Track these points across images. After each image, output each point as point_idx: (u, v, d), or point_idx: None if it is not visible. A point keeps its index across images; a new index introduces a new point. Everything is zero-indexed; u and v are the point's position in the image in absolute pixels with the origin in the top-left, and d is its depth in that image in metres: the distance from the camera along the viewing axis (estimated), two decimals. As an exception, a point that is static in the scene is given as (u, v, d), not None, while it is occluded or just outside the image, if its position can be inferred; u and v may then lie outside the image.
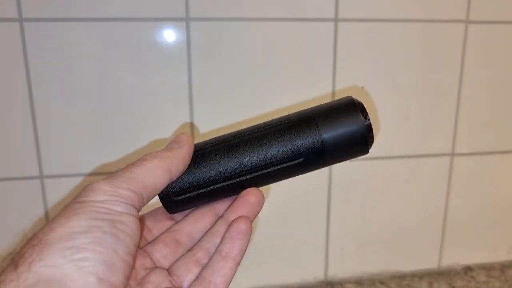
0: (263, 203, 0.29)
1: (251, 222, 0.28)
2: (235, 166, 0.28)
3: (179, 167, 0.27)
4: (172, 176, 0.26)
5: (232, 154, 0.29)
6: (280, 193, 0.56)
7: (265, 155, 0.28)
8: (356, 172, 0.59)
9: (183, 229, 0.29)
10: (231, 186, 0.29)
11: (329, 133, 0.28)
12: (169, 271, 0.27)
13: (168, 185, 0.27)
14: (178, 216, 0.31)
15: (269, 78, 0.53)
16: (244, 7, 0.51)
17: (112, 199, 0.23)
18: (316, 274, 0.62)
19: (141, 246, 0.28)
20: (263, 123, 0.31)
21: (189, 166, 0.28)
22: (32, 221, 0.53)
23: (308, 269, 0.62)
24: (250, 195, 0.28)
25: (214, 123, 0.54)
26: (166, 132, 0.53)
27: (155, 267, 0.27)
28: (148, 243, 0.29)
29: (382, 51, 0.55)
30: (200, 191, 0.29)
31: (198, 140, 0.31)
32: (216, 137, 0.31)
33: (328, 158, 0.29)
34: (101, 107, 0.51)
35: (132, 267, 0.23)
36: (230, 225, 0.27)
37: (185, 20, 0.50)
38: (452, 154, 0.61)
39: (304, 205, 0.59)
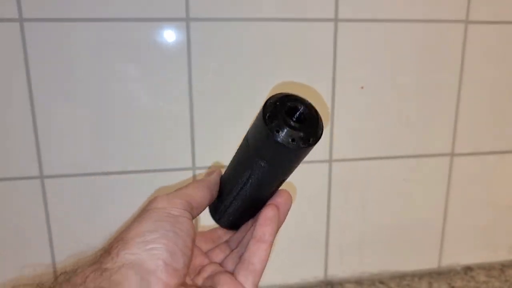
0: (284, 206, 0.34)
1: (277, 225, 0.33)
2: (231, 192, 0.34)
3: (215, 187, 0.35)
4: (212, 193, 0.34)
5: (226, 183, 0.35)
6: (280, 193, 0.56)
7: (235, 182, 0.33)
8: (356, 172, 0.59)
9: (236, 239, 0.37)
10: (243, 206, 0.34)
11: (254, 147, 0.30)
12: (220, 265, 0.35)
13: (213, 212, 0.36)
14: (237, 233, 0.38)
15: (269, 78, 0.53)
16: (244, 7, 0.51)
17: (170, 206, 0.30)
18: (316, 274, 0.62)
19: (205, 250, 0.36)
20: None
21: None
22: (32, 222, 0.53)
23: (308, 269, 0.62)
24: (266, 210, 0.33)
25: (214, 122, 0.54)
26: (166, 131, 0.53)
27: (210, 262, 0.35)
28: (210, 249, 0.36)
29: (382, 51, 0.55)
30: (229, 210, 0.35)
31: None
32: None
33: (274, 167, 0.30)
34: (101, 107, 0.51)
35: (190, 258, 0.29)
36: (259, 215, 0.33)
37: (185, 21, 0.50)
38: (452, 154, 0.61)
39: (304, 205, 0.59)
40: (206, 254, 0.36)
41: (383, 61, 0.55)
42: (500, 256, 0.67)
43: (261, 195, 0.33)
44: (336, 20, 0.53)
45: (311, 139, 0.29)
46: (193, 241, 0.30)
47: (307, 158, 0.57)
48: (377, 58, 0.55)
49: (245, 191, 0.33)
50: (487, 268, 0.66)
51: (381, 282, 0.63)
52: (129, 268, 0.26)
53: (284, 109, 0.29)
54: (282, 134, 0.28)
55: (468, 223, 0.64)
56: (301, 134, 0.28)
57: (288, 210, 0.35)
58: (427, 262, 0.65)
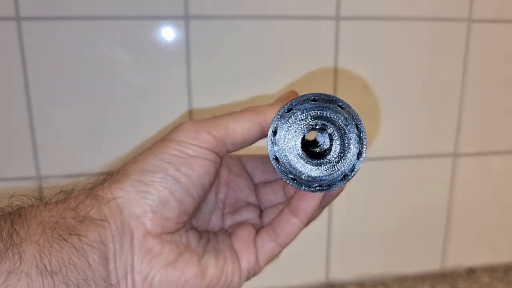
0: (327, 195, 0.29)
1: (316, 204, 0.28)
2: None
3: (270, 121, 0.27)
4: (264, 130, 0.27)
5: None
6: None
7: None
8: (358, 172, 0.58)
9: (277, 188, 0.32)
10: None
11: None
12: (263, 213, 0.31)
13: None
14: None
15: (269, 77, 0.53)
16: (244, 5, 0.50)
17: (191, 141, 0.26)
18: (318, 275, 0.61)
19: (258, 181, 0.32)
20: None
21: None
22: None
23: (310, 271, 0.61)
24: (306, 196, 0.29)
25: (214, 123, 0.53)
26: (165, 130, 0.52)
27: (254, 204, 0.31)
28: (265, 182, 0.32)
29: (384, 49, 0.55)
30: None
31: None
32: None
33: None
34: (99, 106, 0.51)
35: (193, 206, 0.26)
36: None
37: (184, 19, 0.50)
38: (455, 155, 0.60)
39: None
40: (256, 188, 0.32)
41: (385, 60, 0.55)
42: (503, 258, 0.66)
43: None
44: (337, 18, 0.52)
45: (313, 188, 0.23)
46: (206, 188, 0.27)
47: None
48: (379, 57, 0.55)
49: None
50: (490, 270, 0.65)
51: (383, 284, 0.62)
52: (116, 204, 0.25)
53: (298, 125, 0.22)
54: (280, 166, 0.23)
55: (471, 224, 0.64)
56: (303, 176, 0.23)
57: (337, 195, 0.31)
58: (429, 263, 0.64)
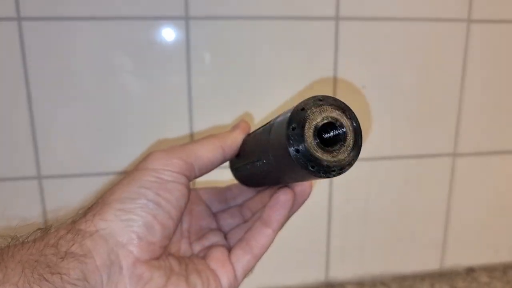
0: (296, 201, 0.31)
1: (287, 213, 0.30)
2: (244, 159, 0.31)
3: (231, 146, 0.31)
4: (226, 154, 0.30)
5: (245, 148, 0.31)
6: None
7: (248, 154, 0.30)
8: (357, 172, 0.58)
9: (249, 206, 0.34)
10: (254, 176, 0.31)
11: (271, 149, 0.26)
12: (226, 236, 0.33)
13: (232, 164, 0.32)
14: (259, 188, 0.35)
15: (269, 77, 0.53)
16: (244, 5, 0.50)
17: (164, 167, 0.27)
18: (317, 275, 0.62)
19: (216, 210, 0.34)
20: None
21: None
22: (30, 222, 0.53)
23: (309, 271, 0.61)
24: (279, 192, 0.30)
25: (213, 121, 0.53)
26: (165, 131, 0.53)
27: (216, 229, 0.33)
28: (221, 210, 0.34)
29: (384, 50, 0.55)
30: (241, 172, 0.33)
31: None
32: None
33: (281, 174, 0.27)
34: (99, 106, 0.51)
35: (174, 229, 0.27)
36: (271, 196, 0.30)
37: (185, 19, 0.50)
38: (454, 154, 0.60)
39: (304, 206, 0.58)
40: (215, 215, 0.34)
41: (384, 61, 0.55)
42: (502, 257, 0.67)
43: (277, 180, 0.29)
44: (337, 18, 0.52)
45: (334, 171, 0.23)
46: (182, 210, 0.28)
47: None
48: (378, 57, 0.55)
49: (254, 170, 0.29)
50: (489, 269, 0.66)
51: (383, 284, 0.62)
52: (100, 236, 0.25)
53: (312, 121, 0.23)
54: (301, 157, 0.23)
55: (470, 224, 0.64)
56: (325, 163, 0.23)
57: (304, 202, 0.32)
58: (429, 263, 0.65)
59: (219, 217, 0.34)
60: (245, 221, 0.34)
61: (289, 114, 0.24)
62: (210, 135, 0.30)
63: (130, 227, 0.25)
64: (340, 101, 0.25)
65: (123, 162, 0.53)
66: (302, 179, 0.27)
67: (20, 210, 0.52)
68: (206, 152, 0.29)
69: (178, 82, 0.51)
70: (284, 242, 0.59)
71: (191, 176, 0.28)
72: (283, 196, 0.30)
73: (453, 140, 0.60)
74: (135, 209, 0.26)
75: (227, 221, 0.34)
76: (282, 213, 0.30)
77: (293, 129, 0.23)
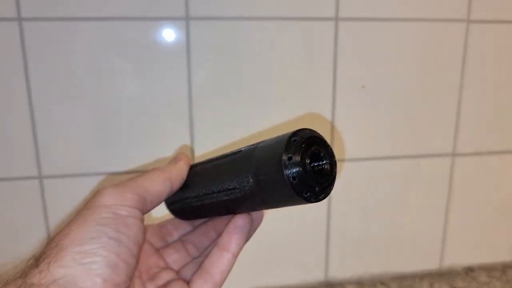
0: (252, 225, 0.31)
1: (246, 236, 0.30)
2: (202, 189, 0.30)
3: (178, 178, 0.30)
4: (173, 186, 0.30)
5: (200, 179, 0.31)
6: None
7: (213, 184, 0.30)
8: (356, 172, 0.58)
9: (191, 241, 0.33)
10: (208, 206, 0.31)
11: (257, 178, 0.27)
12: (177, 273, 0.32)
13: (169, 197, 0.31)
14: (196, 222, 0.35)
15: (269, 77, 0.53)
16: (244, 6, 0.50)
17: (118, 203, 0.26)
18: (317, 274, 0.62)
19: (158, 247, 0.33)
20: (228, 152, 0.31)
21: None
22: (31, 222, 0.53)
23: (309, 270, 0.61)
24: (237, 218, 0.30)
25: (214, 121, 0.53)
26: (166, 131, 0.53)
27: (166, 267, 0.32)
28: (164, 246, 0.33)
29: (383, 50, 0.55)
30: (184, 205, 0.32)
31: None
32: (205, 159, 0.33)
33: (265, 201, 0.27)
34: (100, 106, 0.51)
35: (135, 267, 0.26)
36: (229, 221, 0.30)
37: (185, 20, 0.50)
38: (453, 154, 0.60)
39: (304, 205, 0.58)
40: (159, 252, 0.32)
41: (384, 61, 0.55)
42: (501, 256, 0.67)
43: (234, 210, 0.30)
44: (336, 19, 0.53)
45: (321, 196, 0.26)
46: (141, 246, 0.27)
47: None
48: (378, 58, 0.55)
49: (219, 199, 0.29)
50: (488, 268, 0.66)
51: (382, 283, 0.62)
52: (59, 286, 0.22)
53: (308, 152, 0.25)
54: (298, 184, 0.25)
55: (469, 223, 0.64)
56: (317, 189, 0.25)
57: (258, 226, 0.32)
58: (428, 262, 0.65)
59: (164, 253, 0.33)
60: (190, 256, 0.33)
61: (282, 143, 0.25)
62: (155, 168, 0.30)
63: (92, 270, 0.23)
64: (321, 135, 0.27)
65: (123, 162, 0.53)
66: (282, 205, 0.27)
67: (21, 210, 0.52)
68: (156, 185, 0.28)
69: (178, 82, 0.51)
70: (284, 242, 0.59)
71: (143, 210, 0.27)
72: (242, 221, 0.30)
73: (452, 140, 0.60)
74: (96, 249, 0.23)
75: (173, 257, 0.32)
76: (242, 237, 0.30)
77: (290, 158, 0.25)
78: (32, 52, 0.48)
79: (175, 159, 0.32)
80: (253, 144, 0.29)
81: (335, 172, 0.27)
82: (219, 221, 0.34)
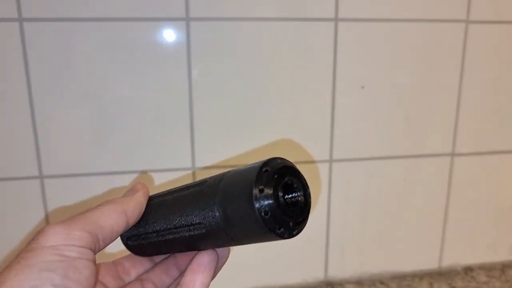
0: (218, 262, 0.28)
1: (212, 275, 0.27)
2: (163, 223, 0.28)
3: (135, 211, 0.27)
4: (129, 219, 0.27)
5: (161, 212, 0.28)
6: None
7: (175, 218, 0.27)
8: (356, 172, 0.59)
9: (151, 280, 0.30)
10: (169, 243, 0.28)
11: (223, 211, 0.24)
12: None
13: (125, 232, 0.28)
14: (156, 258, 0.31)
15: (270, 78, 0.53)
16: (244, 7, 0.51)
17: (66, 242, 0.22)
18: (316, 274, 0.62)
19: (114, 287, 0.29)
20: (191, 182, 0.29)
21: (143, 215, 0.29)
22: (31, 221, 0.53)
23: (308, 269, 0.62)
24: (202, 254, 0.27)
25: (214, 122, 0.53)
26: (166, 131, 0.53)
27: None
28: (120, 287, 0.29)
29: (383, 51, 0.55)
30: (143, 241, 0.29)
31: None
32: (165, 190, 0.30)
33: (233, 237, 0.25)
34: (101, 106, 0.51)
35: None
36: (193, 258, 0.27)
37: (185, 20, 0.50)
38: (453, 154, 0.60)
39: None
40: None
41: (383, 61, 0.55)
42: (500, 256, 0.67)
43: (199, 246, 0.28)
44: (336, 19, 0.53)
45: (295, 231, 0.24)
46: None
47: (308, 158, 0.57)
48: (377, 58, 0.55)
49: (181, 235, 0.27)
50: (487, 268, 0.66)
51: (382, 283, 0.62)
52: None
53: (281, 183, 0.23)
54: (271, 219, 0.22)
55: (468, 223, 0.64)
56: (291, 223, 0.23)
57: (223, 264, 0.29)
58: (427, 262, 0.65)
59: None
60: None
61: (253, 173, 0.23)
62: (108, 201, 0.26)
63: None
64: (294, 164, 0.25)
65: (123, 162, 0.53)
66: (253, 241, 0.25)
67: (21, 209, 0.52)
68: (109, 220, 0.25)
69: (178, 83, 0.52)
70: (284, 241, 0.59)
71: (96, 249, 0.24)
72: (207, 258, 0.27)
73: (451, 140, 0.60)
74: None
75: None
76: (207, 276, 0.26)
77: (261, 190, 0.22)
78: (33, 52, 0.48)
79: (132, 190, 0.28)
80: (219, 174, 0.26)
81: (310, 204, 0.25)
82: (182, 257, 0.31)
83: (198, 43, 0.51)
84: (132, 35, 0.49)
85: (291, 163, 0.25)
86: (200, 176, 0.55)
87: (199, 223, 0.25)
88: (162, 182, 0.54)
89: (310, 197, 0.25)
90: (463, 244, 0.65)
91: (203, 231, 0.25)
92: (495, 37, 0.57)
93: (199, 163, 0.54)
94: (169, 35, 0.50)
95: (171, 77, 0.51)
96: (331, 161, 0.57)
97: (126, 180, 0.53)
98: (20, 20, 0.47)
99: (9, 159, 0.50)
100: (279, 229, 0.23)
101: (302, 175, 0.25)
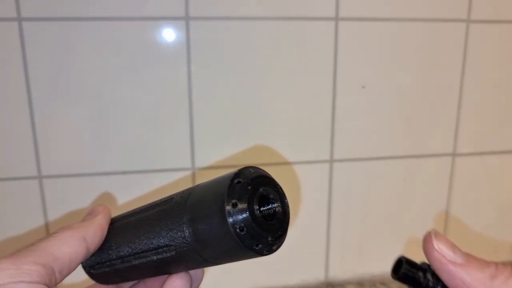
0: (192, 286, 0.26)
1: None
2: (127, 248, 0.25)
3: (95, 236, 0.25)
4: (89, 246, 0.24)
5: (124, 236, 0.26)
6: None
7: (140, 242, 0.25)
8: (357, 172, 0.58)
9: None
10: (136, 268, 0.26)
11: (194, 230, 0.22)
12: None
13: (87, 258, 0.25)
14: (124, 285, 0.29)
15: (269, 77, 0.53)
16: (245, 6, 0.50)
17: (14, 279, 0.19)
18: (317, 275, 0.62)
19: None
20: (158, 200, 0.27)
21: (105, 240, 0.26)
22: (30, 222, 0.53)
23: (309, 270, 0.61)
24: (173, 278, 0.25)
25: (213, 121, 0.53)
26: (166, 131, 0.53)
27: None
28: None
29: (383, 50, 0.55)
30: (107, 268, 0.27)
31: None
32: (129, 211, 0.28)
33: (206, 257, 0.23)
34: (100, 106, 0.51)
35: None
36: (164, 282, 0.25)
37: (185, 19, 0.50)
38: (454, 154, 0.60)
39: (304, 205, 0.59)
40: None
41: (384, 61, 0.55)
42: (502, 256, 0.67)
43: (169, 270, 0.25)
44: (337, 19, 0.53)
45: (275, 246, 0.22)
46: None
47: (308, 158, 0.56)
48: (378, 58, 0.55)
49: (149, 259, 0.25)
50: (488, 269, 0.66)
51: (382, 283, 0.62)
52: None
53: (256, 195, 0.21)
54: (247, 236, 0.21)
55: (469, 223, 0.64)
56: (269, 238, 0.22)
57: (199, 285, 0.27)
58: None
59: None
60: None
61: (224, 186, 0.21)
62: (64, 227, 0.24)
63: None
64: (268, 173, 0.23)
65: (123, 162, 0.53)
66: (228, 260, 0.23)
67: (20, 210, 0.52)
68: (66, 248, 0.22)
69: (178, 82, 0.51)
70: (284, 241, 0.59)
71: (51, 283, 0.21)
72: (180, 281, 0.25)
73: (452, 140, 0.60)
74: None
75: None
76: None
77: (234, 204, 0.20)
78: (32, 52, 0.48)
79: (91, 213, 0.26)
80: (187, 189, 0.24)
81: (288, 216, 0.23)
82: (152, 282, 0.28)
83: (198, 43, 0.51)
84: (132, 35, 0.49)
85: (265, 172, 0.23)
86: (200, 176, 0.55)
87: (167, 245, 0.23)
88: (162, 182, 0.54)
89: (288, 208, 0.23)
90: (464, 245, 0.65)
91: (173, 253, 0.23)
92: (496, 36, 0.57)
93: (199, 163, 0.54)
94: (169, 34, 0.50)
95: (171, 77, 0.51)
96: (331, 161, 0.57)
97: (125, 181, 0.53)
98: (19, 19, 0.47)
99: (7, 159, 0.50)
100: (257, 245, 0.21)
101: (278, 184, 0.23)
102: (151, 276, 0.28)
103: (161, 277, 0.27)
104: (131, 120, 0.52)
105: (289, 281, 0.61)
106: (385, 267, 0.63)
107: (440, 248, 0.23)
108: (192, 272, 0.26)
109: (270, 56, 0.52)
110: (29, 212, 0.52)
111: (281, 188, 0.23)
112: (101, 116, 0.51)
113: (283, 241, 0.23)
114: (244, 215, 0.20)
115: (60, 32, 0.48)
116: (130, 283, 0.29)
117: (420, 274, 0.23)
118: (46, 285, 0.21)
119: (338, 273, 0.62)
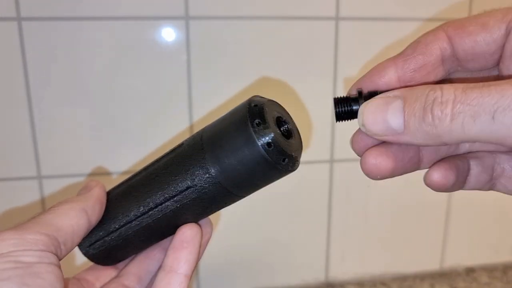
0: (203, 236, 0.25)
1: (198, 251, 0.24)
2: (137, 209, 0.25)
3: (95, 207, 0.24)
4: (90, 218, 0.24)
5: (131, 197, 0.25)
6: (281, 193, 0.56)
7: (153, 195, 0.24)
8: (357, 172, 0.58)
9: (130, 272, 0.27)
10: (148, 227, 0.25)
11: (217, 161, 0.22)
12: None
13: (84, 238, 0.24)
14: (121, 263, 0.29)
15: (270, 77, 0.53)
16: (244, 6, 0.50)
17: (19, 248, 0.20)
18: (317, 275, 0.62)
19: None
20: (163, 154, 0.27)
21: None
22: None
23: (309, 270, 0.61)
24: (183, 229, 0.24)
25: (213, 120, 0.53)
26: (166, 131, 0.53)
27: None
28: None
29: (384, 50, 0.55)
30: (113, 237, 0.26)
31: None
32: (123, 180, 0.28)
33: (232, 188, 0.23)
34: (100, 106, 0.51)
35: None
36: (174, 235, 0.24)
37: (185, 19, 0.50)
38: (454, 154, 0.60)
39: (305, 206, 0.58)
40: None
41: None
42: (502, 257, 0.67)
43: (184, 219, 0.25)
44: (337, 18, 0.53)
45: (297, 162, 0.23)
46: None
47: (308, 158, 0.56)
48: (378, 58, 0.55)
49: (164, 213, 0.24)
50: (489, 269, 0.66)
51: (383, 284, 0.62)
52: None
53: (273, 115, 0.22)
54: (275, 151, 0.21)
55: (470, 224, 0.64)
56: (293, 154, 0.22)
57: (207, 241, 0.26)
58: (429, 263, 0.65)
59: None
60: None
61: (243, 111, 0.22)
62: (62, 201, 0.24)
63: None
64: (274, 100, 0.25)
65: (123, 162, 0.53)
66: (253, 186, 0.23)
67: (20, 210, 0.52)
68: (68, 220, 0.22)
69: (178, 82, 0.51)
70: (284, 242, 0.59)
71: (57, 253, 0.21)
72: (190, 232, 0.24)
73: (453, 140, 0.60)
74: None
75: None
76: (192, 252, 0.24)
77: (258, 124, 0.21)
78: (31, 52, 0.48)
79: (85, 188, 0.26)
80: (195, 133, 0.25)
81: (300, 135, 0.24)
82: (145, 259, 0.27)
83: (198, 42, 0.50)
84: (131, 34, 0.49)
85: (271, 99, 0.24)
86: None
87: (187, 188, 0.23)
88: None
89: (296, 128, 0.25)
90: (464, 245, 0.65)
91: (194, 195, 0.23)
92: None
93: (198, 163, 0.54)
94: (169, 34, 0.50)
95: (171, 76, 0.51)
96: (331, 161, 0.57)
97: (125, 181, 0.53)
98: (19, 19, 0.47)
99: (7, 159, 0.50)
100: (283, 160, 0.22)
101: (284, 108, 0.24)
102: (159, 237, 0.26)
103: (163, 247, 0.26)
104: (131, 120, 0.52)
105: (289, 281, 0.61)
106: (386, 267, 0.63)
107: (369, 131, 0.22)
108: (202, 223, 0.26)
109: (270, 55, 0.52)
110: (29, 212, 0.52)
111: (287, 112, 0.24)
112: (101, 116, 0.51)
113: (300, 159, 0.23)
114: (269, 132, 0.21)
115: (60, 32, 0.48)
116: (127, 261, 0.28)
117: (355, 104, 0.25)
118: (53, 253, 0.21)
119: (338, 273, 0.62)
